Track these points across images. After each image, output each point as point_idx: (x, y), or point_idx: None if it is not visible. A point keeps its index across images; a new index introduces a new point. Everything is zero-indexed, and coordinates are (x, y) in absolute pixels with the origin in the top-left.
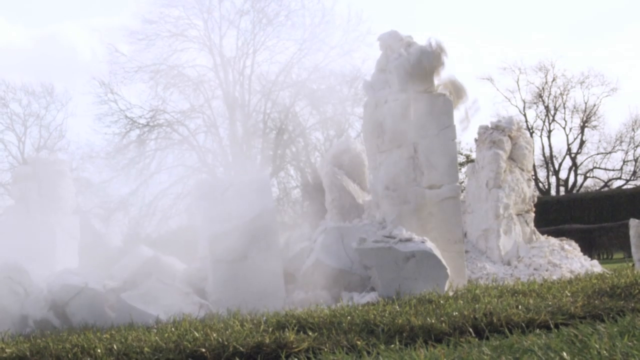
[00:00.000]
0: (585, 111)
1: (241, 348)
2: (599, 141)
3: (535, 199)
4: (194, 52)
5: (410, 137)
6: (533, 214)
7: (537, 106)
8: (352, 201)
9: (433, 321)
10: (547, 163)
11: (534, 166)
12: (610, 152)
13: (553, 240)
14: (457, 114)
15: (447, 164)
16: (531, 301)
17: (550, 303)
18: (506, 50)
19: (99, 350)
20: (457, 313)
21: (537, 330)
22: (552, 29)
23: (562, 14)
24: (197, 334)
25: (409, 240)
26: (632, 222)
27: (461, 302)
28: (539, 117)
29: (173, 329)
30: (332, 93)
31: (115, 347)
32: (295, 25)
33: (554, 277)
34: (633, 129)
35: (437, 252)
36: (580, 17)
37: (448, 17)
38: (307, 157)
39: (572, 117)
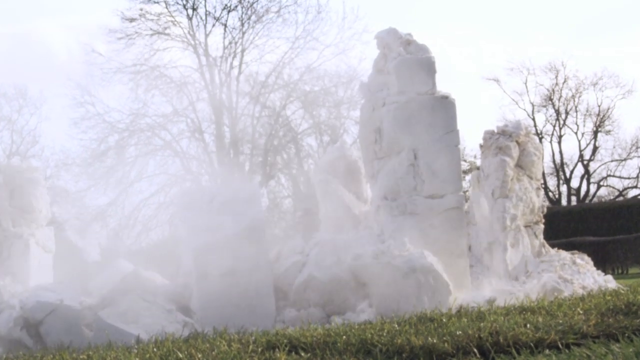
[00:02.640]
0: (598, 115)
1: None
2: (614, 147)
3: (545, 210)
4: (177, 52)
5: (410, 143)
6: (542, 226)
7: (547, 109)
8: (347, 212)
9: (435, 341)
10: (557, 171)
11: (543, 174)
12: (625, 159)
13: (564, 253)
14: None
15: (449, 171)
16: (540, 319)
17: (560, 321)
18: (511, 49)
19: None
20: (460, 332)
21: (547, 351)
22: (559, 27)
23: (569, 11)
24: (180, 355)
25: (408, 254)
26: None
27: (465, 320)
28: (548, 121)
29: (155, 349)
30: (326, 95)
31: None
32: (287, 22)
33: (565, 294)
34: None
35: (439, 267)
36: (589, 14)
37: (449, 14)
38: (300, 164)
39: (584, 122)
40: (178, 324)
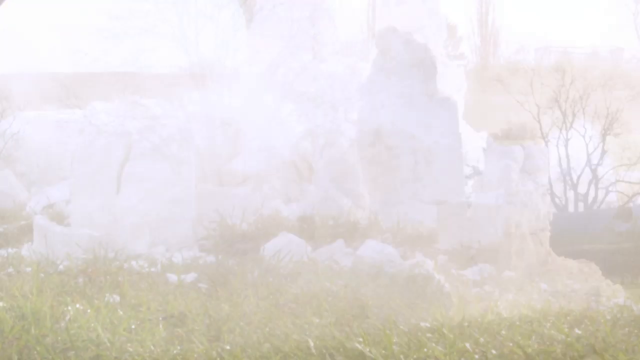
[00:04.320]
0: (607, 117)
1: None
2: (623, 151)
3: (551, 216)
4: (167, 51)
5: (410, 146)
6: (548, 233)
7: (553, 111)
8: (346, 218)
9: (436, 354)
10: (564, 176)
11: (549, 179)
12: (635, 164)
13: (571, 262)
14: None
15: (451, 176)
16: (546, 331)
17: (567, 333)
18: (517, 47)
19: None
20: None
21: None
22: (571, 22)
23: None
24: None
25: (409, 261)
26: None
27: (468, 331)
28: (555, 124)
29: None
30: (322, 96)
31: None
32: (282, 20)
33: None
34: None
35: (441, 275)
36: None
37: (451, 10)
38: None
39: (592, 124)
40: None
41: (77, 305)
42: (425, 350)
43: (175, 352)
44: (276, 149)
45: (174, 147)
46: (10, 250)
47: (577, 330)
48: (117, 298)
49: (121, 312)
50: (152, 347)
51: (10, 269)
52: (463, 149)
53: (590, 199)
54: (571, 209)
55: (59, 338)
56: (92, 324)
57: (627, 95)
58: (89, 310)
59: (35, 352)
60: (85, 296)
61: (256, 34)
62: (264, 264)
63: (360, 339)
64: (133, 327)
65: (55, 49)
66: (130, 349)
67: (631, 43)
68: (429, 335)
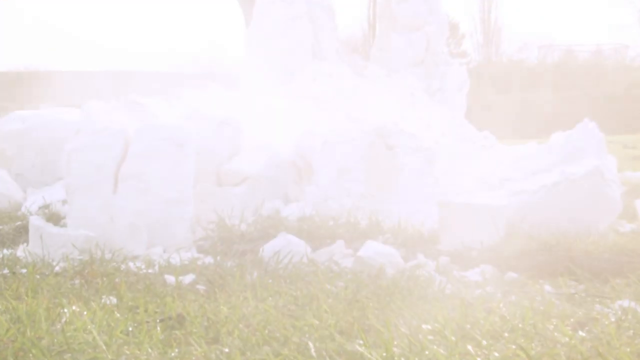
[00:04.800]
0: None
1: None
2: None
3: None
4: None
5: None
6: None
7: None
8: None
9: None
10: None
11: None
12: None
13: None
14: None
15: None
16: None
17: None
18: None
19: None
20: None
21: None
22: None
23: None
24: None
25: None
26: None
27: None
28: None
29: None
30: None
31: None
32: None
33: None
34: None
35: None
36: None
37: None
38: None
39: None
40: None
41: (74, 307)
42: (427, 352)
43: (173, 354)
44: (276, 149)
45: (172, 146)
46: (5, 251)
47: (580, 333)
48: (114, 300)
49: (118, 314)
50: (150, 350)
51: (5, 270)
52: (464, 149)
53: None
54: None
55: (55, 340)
56: (89, 326)
57: (631, 93)
58: (85, 312)
59: (30, 354)
60: (81, 298)
61: (256, 33)
62: (263, 265)
63: (361, 341)
64: (130, 329)
65: (53, 48)
66: (127, 352)
67: (636, 40)
68: (430, 337)
